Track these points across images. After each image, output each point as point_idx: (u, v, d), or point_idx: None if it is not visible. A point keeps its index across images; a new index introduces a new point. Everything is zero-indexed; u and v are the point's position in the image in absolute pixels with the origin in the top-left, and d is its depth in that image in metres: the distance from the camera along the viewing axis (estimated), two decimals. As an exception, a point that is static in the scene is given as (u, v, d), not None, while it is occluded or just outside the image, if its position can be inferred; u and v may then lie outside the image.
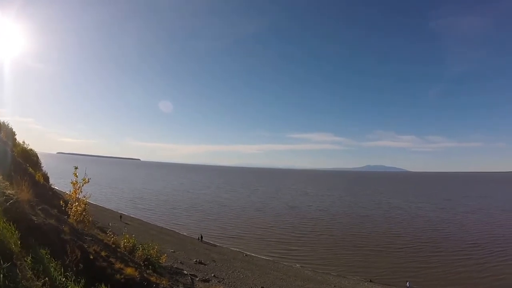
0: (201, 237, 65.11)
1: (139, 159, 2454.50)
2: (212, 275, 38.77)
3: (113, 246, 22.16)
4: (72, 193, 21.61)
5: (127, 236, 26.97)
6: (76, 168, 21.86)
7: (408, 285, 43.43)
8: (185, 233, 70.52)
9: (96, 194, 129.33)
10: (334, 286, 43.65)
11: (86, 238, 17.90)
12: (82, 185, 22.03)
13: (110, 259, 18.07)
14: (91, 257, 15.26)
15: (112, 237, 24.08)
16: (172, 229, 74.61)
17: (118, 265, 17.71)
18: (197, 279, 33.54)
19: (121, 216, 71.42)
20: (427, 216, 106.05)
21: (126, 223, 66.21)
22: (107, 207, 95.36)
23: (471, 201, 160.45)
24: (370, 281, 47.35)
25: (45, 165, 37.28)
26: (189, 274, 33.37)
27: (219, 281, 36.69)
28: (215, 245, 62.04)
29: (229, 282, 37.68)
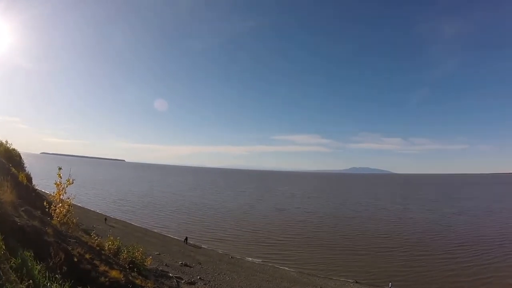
0: (186, 239, 64.64)
1: (124, 160, 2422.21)
2: (198, 277, 38.53)
3: (98, 248, 21.85)
4: (56, 194, 21.24)
5: (112, 238, 26.63)
6: (60, 168, 21.52)
7: (390, 286, 44.25)
8: (170, 235, 69.82)
9: (80, 196, 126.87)
10: (320, 287, 43.96)
11: (70, 240, 17.61)
12: (66, 186, 21.66)
13: (95, 261, 17.82)
14: (75, 259, 15.02)
15: (97, 239, 23.74)
16: (157, 231, 73.82)
17: (102, 268, 17.47)
18: (182, 281, 33.30)
19: (106, 219, 70.16)
20: (414, 218, 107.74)
21: (110, 225, 65.18)
22: (91, 209, 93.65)
23: (458, 203, 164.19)
24: (356, 282, 47.83)
25: (29, 166, 36.57)
26: (175, 276, 33.12)
27: (205, 284, 36.51)
28: (200, 247, 61.66)
29: (215, 285, 37.52)
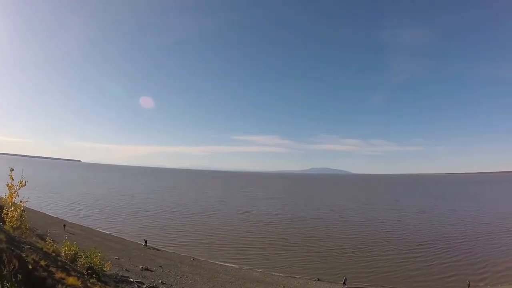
0: (146, 242, 63.11)
1: (80, 161, 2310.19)
2: (160, 281, 37.83)
3: (54, 254, 20.83)
4: (8, 197, 20.06)
5: (68, 243, 25.53)
6: (11, 169, 20.31)
7: (344, 280, 46.63)
8: (130, 239, 67.65)
9: (34, 199, 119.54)
10: (283, 286, 44.73)
11: (24, 247, 16.66)
12: (19, 189, 20.53)
13: (51, 268, 17.02)
14: (30, 266, 14.27)
15: (52, 245, 22.65)
16: (116, 235, 71.24)
17: (59, 275, 16.74)
18: (144, 286, 32.54)
19: (64, 225, 66.25)
20: (379, 217, 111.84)
21: (67, 230, 62.08)
22: (46, 213, 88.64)
23: (419, 201, 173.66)
24: (318, 279, 49.33)
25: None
26: (136, 281, 32.28)
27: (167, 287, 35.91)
28: (161, 250, 60.38)
29: (178, 288, 37.00)
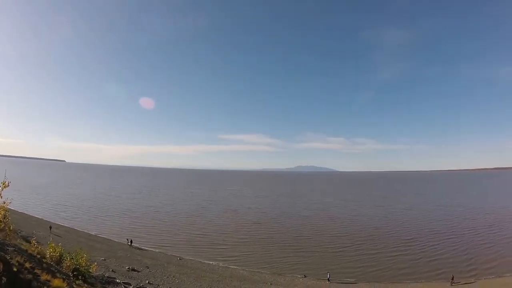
0: (131, 241, 62.66)
1: (64, 161, 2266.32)
2: (147, 282, 37.73)
3: (39, 256, 20.65)
4: (-10, 200, 19.77)
5: (53, 245, 25.30)
6: (-6, 171, 20.04)
7: (328, 276, 47.80)
8: (116, 240, 67.03)
9: (18, 200, 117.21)
10: (271, 284, 45.20)
11: (8, 249, 16.51)
12: (2, 190, 20.25)
13: (36, 270, 16.92)
14: (15, 269, 14.20)
15: (37, 247, 22.42)
16: (102, 236, 70.50)
17: (44, 277, 16.67)
18: (130, 287, 32.42)
19: (50, 227, 64.60)
20: (366, 214, 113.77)
21: (52, 231, 61.03)
22: (30, 214, 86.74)
23: (405, 198, 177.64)
24: (305, 276, 50.11)
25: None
26: (122, 282, 32.14)
27: (154, 288, 35.85)
28: (147, 250, 60.09)
29: (165, 288, 36.96)
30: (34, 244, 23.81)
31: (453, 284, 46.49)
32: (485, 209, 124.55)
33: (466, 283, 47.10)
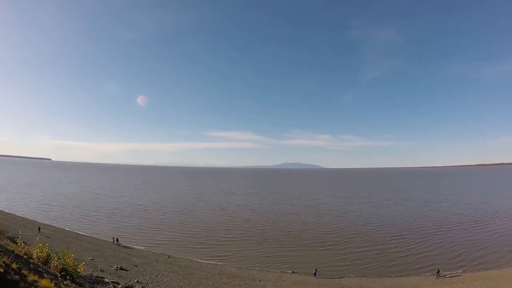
0: (117, 239, 62.46)
1: (50, 159, 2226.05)
2: (135, 280, 37.83)
3: (25, 257, 20.64)
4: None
5: (40, 245, 25.25)
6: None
7: (314, 271, 48.72)
8: (104, 239, 66.62)
9: (3, 200, 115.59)
10: (259, 280, 45.78)
11: (-6, 251, 16.51)
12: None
13: (23, 271, 16.99)
14: (2, 270, 14.29)
15: (24, 247, 22.37)
16: (89, 235, 69.96)
17: (31, 278, 16.76)
18: (119, 286, 32.52)
19: (39, 228, 63.39)
20: (355, 211, 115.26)
21: (39, 231, 60.29)
22: (17, 214, 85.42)
23: (392, 194, 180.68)
24: (293, 272, 50.93)
25: None
26: (111, 282, 32.21)
27: (143, 287, 36.09)
28: (136, 249, 60.01)
29: (153, 287, 37.16)
30: (21, 245, 23.75)
31: (438, 277, 47.97)
32: (471, 205, 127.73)
33: (451, 276, 48.61)
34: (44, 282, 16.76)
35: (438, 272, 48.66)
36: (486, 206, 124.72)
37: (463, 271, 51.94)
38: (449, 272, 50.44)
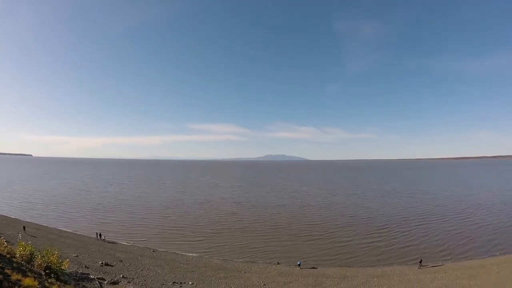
0: (100, 234, 62.26)
1: (30, 155, 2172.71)
2: (121, 276, 38.03)
3: (8, 256, 20.64)
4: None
5: (23, 243, 25.16)
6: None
7: (298, 263, 49.85)
8: (87, 235, 66.12)
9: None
10: (244, 272, 46.62)
11: (-24, 251, 16.52)
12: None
13: (6, 270, 17.09)
14: (-15, 270, 14.35)
15: (6, 246, 22.28)
16: (72, 231, 69.29)
17: (15, 277, 16.87)
18: (105, 282, 32.69)
19: (24, 227, 62.05)
20: (341, 203, 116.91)
21: (24, 230, 59.29)
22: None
23: (377, 186, 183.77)
24: (278, 263, 52.06)
25: None
26: (96, 278, 32.33)
27: (128, 282, 36.27)
28: (120, 244, 59.95)
29: (140, 282, 37.47)
30: (3, 244, 23.63)
31: (421, 267, 49.67)
32: (454, 197, 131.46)
33: (433, 266, 50.42)
34: (27, 280, 16.88)
35: (421, 262, 50.43)
36: (469, 198, 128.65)
37: (445, 261, 53.81)
38: (431, 262, 52.20)
